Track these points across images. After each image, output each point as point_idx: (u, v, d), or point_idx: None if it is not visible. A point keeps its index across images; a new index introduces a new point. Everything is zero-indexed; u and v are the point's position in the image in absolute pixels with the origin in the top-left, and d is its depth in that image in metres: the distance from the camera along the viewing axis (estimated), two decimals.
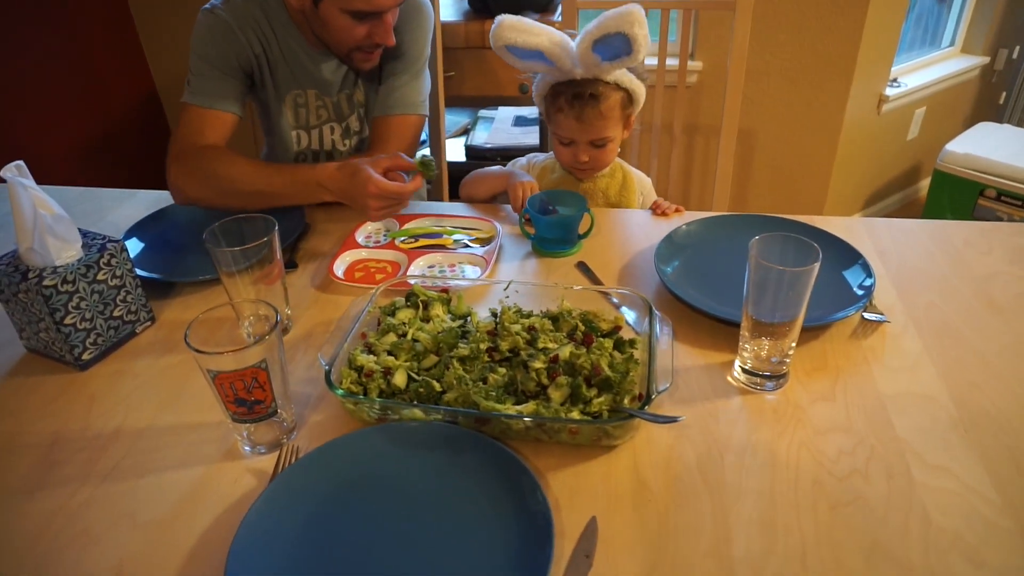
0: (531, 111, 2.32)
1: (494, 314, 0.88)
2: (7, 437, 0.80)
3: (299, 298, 1.02)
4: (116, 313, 0.92)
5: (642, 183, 1.35)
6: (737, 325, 0.82)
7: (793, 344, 0.80)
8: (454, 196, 1.79)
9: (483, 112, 2.49)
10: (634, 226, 1.20)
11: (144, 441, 0.79)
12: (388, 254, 1.11)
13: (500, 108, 2.48)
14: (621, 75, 1.18)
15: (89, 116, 2.39)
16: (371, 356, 0.82)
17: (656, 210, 1.22)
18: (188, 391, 0.85)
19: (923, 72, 2.70)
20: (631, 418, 0.71)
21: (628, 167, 1.34)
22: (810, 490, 0.70)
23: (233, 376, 0.69)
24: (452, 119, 2.52)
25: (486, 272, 1.05)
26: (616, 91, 1.19)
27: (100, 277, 0.88)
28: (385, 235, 1.17)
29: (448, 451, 0.72)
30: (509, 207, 1.23)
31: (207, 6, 1.26)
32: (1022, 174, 2.39)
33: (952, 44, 2.86)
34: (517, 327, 0.83)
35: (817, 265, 0.73)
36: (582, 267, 1.07)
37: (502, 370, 0.79)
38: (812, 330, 0.90)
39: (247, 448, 0.76)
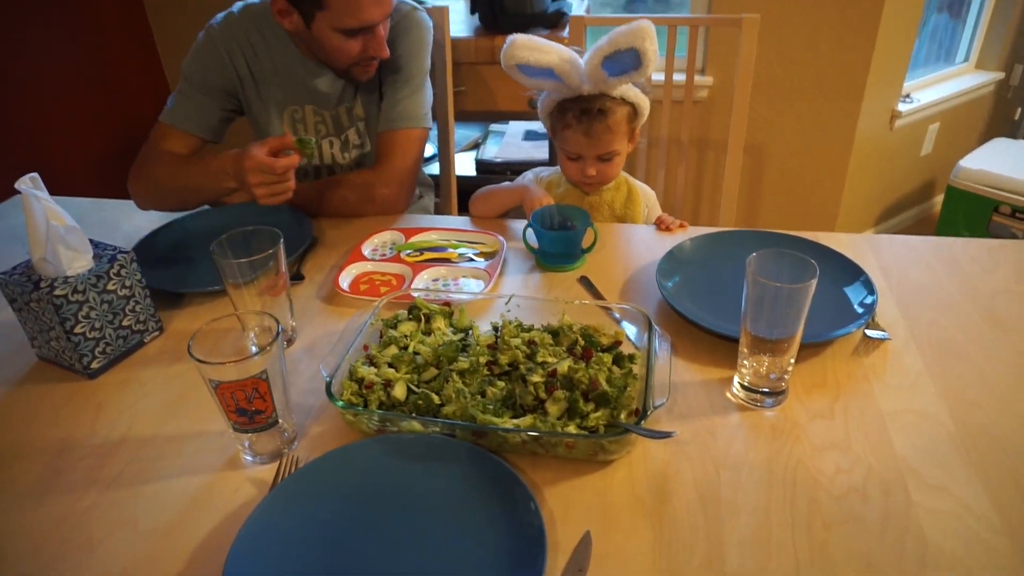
0: (541, 125, 2.34)
1: (495, 328, 0.89)
2: (17, 443, 0.82)
3: (305, 310, 1.04)
4: (125, 323, 0.93)
5: (647, 195, 1.36)
6: (737, 341, 0.83)
7: (792, 360, 0.80)
8: (463, 211, 1.81)
9: (494, 126, 2.51)
10: (638, 241, 1.20)
11: (149, 449, 0.80)
12: (393, 267, 1.12)
13: (511, 123, 2.50)
14: (626, 89, 1.19)
15: (108, 128, 2.44)
16: (372, 368, 0.83)
17: (660, 225, 1.23)
18: (193, 400, 0.87)
19: (937, 88, 2.69)
20: (626, 433, 0.72)
21: (632, 180, 1.35)
22: (806, 508, 0.69)
23: (234, 386, 0.70)
24: (463, 133, 2.55)
25: (489, 286, 1.05)
26: (622, 105, 1.20)
27: (110, 287, 0.90)
28: (391, 248, 1.19)
29: (445, 463, 0.73)
30: (513, 222, 1.25)
31: (209, 23, 1.32)
32: None
33: (966, 60, 2.85)
34: (517, 341, 0.84)
35: (814, 282, 0.73)
36: (584, 282, 1.07)
37: (501, 384, 0.80)
38: (812, 347, 0.90)
39: (248, 457, 0.78)
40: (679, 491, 0.72)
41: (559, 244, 1.10)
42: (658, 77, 1.66)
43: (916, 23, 2.31)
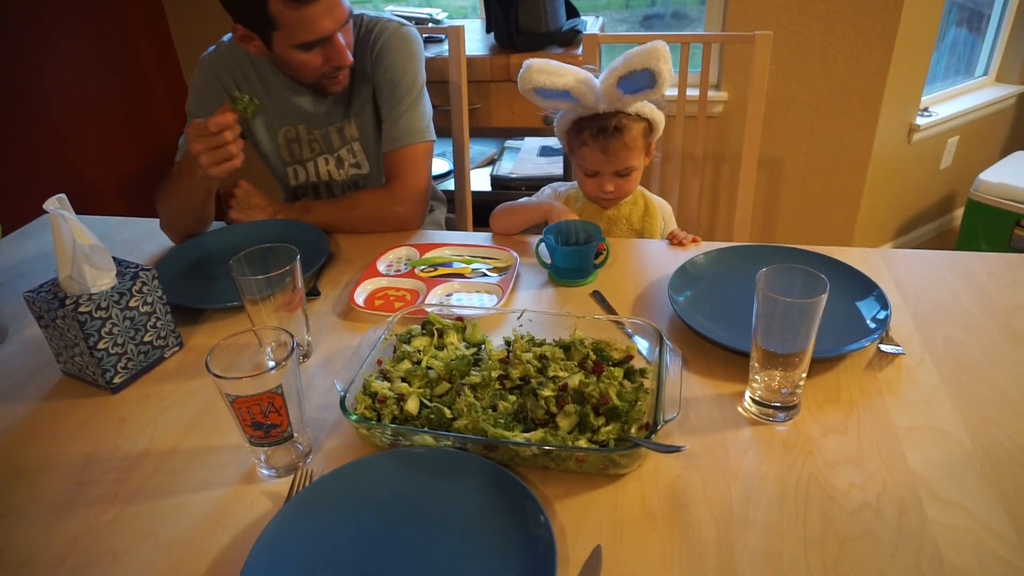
0: (556, 141, 2.36)
1: (507, 342, 0.90)
2: (42, 457, 0.84)
3: (321, 325, 1.06)
4: (146, 338, 0.96)
5: (663, 209, 1.38)
6: (748, 355, 0.83)
7: (804, 375, 0.80)
8: (478, 226, 1.83)
9: (509, 142, 2.53)
10: (650, 256, 1.21)
11: (169, 463, 0.82)
12: (408, 283, 1.14)
13: (526, 139, 2.52)
14: (641, 106, 1.21)
15: (134, 149, 2.50)
16: (386, 383, 0.84)
17: (673, 240, 1.23)
18: (212, 415, 0.89)
19: (956, 101, 2.67)
20: (636, 447, 0.72)
21: (649, 194, 1.37)
22: (818, 524, 0.69)
23: (250, 401, 0.72)
24: (478, 149, 2.57)
25: (502, 301, 1.07)
26: (638, 122, 1.22)
27: (132, 304, 0.93)
28: (406, 264, 1.20)
29: (456, 477, 0.74)
30: (527, 238, 1.26)
31: (201, 57, 1.37)
32: None
33: (986, 73, 2.83)
34: (529, 355, 0.85)
35: (824, 296, 0.73)
36: (597, 296, 1.08)
37: (512, 398, 0.81)
38: (826, 361, 0.90)
39: (264, 471, 0.79)
40: (690, 506, 0.72)
41: (572, 259, 1.11)
42: (672, 92, 1.67)
43: (933, 37, 2.31)
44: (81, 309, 0.87)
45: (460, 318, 0.96)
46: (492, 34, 2.19)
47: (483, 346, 0.92)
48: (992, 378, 0.87)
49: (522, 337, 0.89)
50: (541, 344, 0.89)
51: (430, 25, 2.30)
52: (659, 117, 1.24)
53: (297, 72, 1.27)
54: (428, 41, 2.17)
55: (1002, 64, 2.80)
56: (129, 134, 2.48)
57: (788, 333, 0.76)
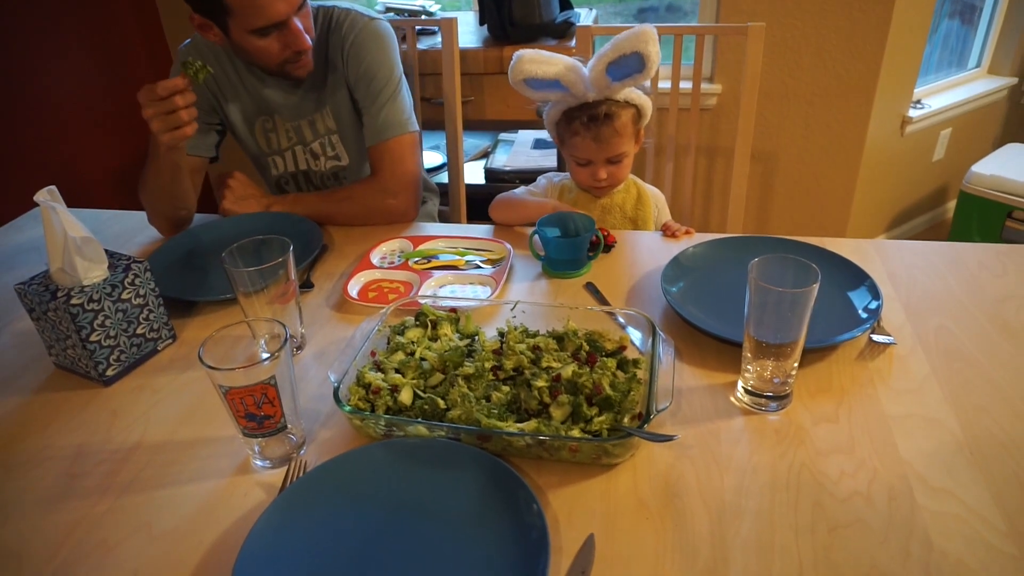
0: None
1: (500, 334, 0.90)
2: (35, 450, 0.84)
3: (314, 317, 1.06)
4: (139, 331, 0.95)
5: (655, 197, 1.38)
6: (740, 346, 0.83)
7: (795, 365, 0.80)
8: (472, 219, 1.83)
9: (503, 135, 2.53)
10: (644, 248, 1.21)
11: (162, 454, 0.82)
12: (401, 275, 1.14)
13: (520, 131, 2.52)
14: (629, 92, 1.22)
15: (125, 142, 2.48)
16: (379, 374, 0.84)
17: (666, 232, 1.23)
18: (205, 406, 0.89)
19: (949, 93, 2.68)
20: (628, 436, 0.72)
21: (640, 182, 1.37)
22: (810, 511, 0.70)
23: (244, 392, 0.72)
24: (472, 142, 2.57)
25: (495, 292, 1.07)
26: (627, 108, 1.22)
27: (124, 296, 0.92)
28: (399, 256, 1.20)
29: (450, 467, 0.74)
30: (523, 230, 1.26)
31: (179, 48, 1.38)
32: None
33: (979, 65, 2.83)
34: (522, 346, 0.85)
35: (816, 286, 0.74)
36: (590, 288, 1.08)
37: (506, 388, 0.81)
38: (817, 351, 0.90)
39: (258, 462, 0.79)
40: (683, 495, 0.72)
41: (565, 251, 1.11)
42: (665, 85, 1.67)
43: (926, 29, 2.31)
44: (73, 301, 0.87)
45: (454, 309, 0.96)
46: (485, 26, 2.19)
47: (477, 337, 0.92)
48: (982, 367, 0.88)
49: (516, 328, 0.89)
50: (535, 335, 0.89)
51: (423, 17, 2.28)
52: (647, 103, 1.25)
53: (258, 59, 1.26)
54: (421, 33, 2.16)
55: (995, 56, 2.81)
56: (120, 128, 2.46)
57: (780, 323, 0.76)
